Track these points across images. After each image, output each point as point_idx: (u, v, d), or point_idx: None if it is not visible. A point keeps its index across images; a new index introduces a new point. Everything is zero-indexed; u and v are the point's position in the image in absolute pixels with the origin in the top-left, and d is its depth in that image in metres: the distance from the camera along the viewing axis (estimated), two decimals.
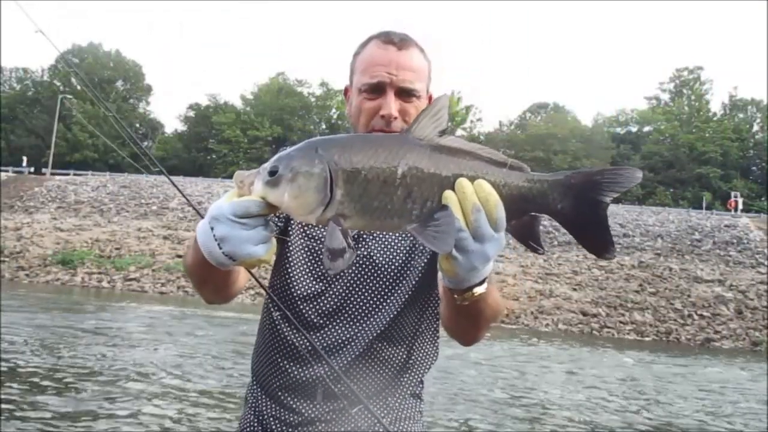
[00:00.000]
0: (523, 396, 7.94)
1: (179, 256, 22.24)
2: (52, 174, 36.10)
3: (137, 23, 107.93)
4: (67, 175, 35.13)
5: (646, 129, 54.78)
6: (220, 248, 0.90)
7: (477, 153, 0.92)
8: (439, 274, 1.19)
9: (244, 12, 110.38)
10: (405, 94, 1.31)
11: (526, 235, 0.95)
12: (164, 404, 5.92)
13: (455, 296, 1.01)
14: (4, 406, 5.34)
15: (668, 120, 53.19)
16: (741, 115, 54.36)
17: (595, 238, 0.93)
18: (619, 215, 27.74)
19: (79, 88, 53.58)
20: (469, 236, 0.88)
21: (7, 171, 34.73)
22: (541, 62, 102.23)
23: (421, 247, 1.36)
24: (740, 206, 35.79)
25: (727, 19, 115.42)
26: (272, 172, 0.87)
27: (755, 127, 53.38)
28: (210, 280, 1.20)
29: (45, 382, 6.38)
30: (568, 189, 0.91)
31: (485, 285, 0.99)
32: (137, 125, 56.21)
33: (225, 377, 7.45)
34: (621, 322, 19.13)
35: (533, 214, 0.94)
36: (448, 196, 0.88)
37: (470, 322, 1.17)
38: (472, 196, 0.87)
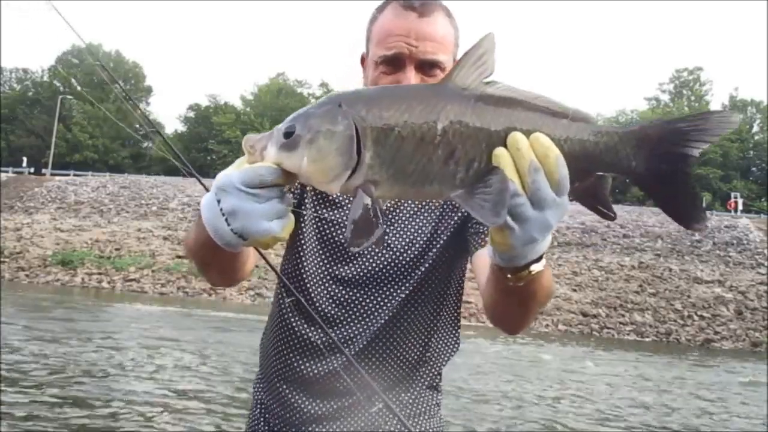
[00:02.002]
0: (522, 397, 7.94)
1: (179, 257, 22.22)
2: (52, 174, 36.13)
3: (137, 23, 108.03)
4: (67, 175, 35.15)
5: None
6: (229, 225, 0.76)
7: (531, 103, 0.77)
8: (485, 251, 1.05)
9: (244, 12, 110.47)
10: (427, 67, 1.17)
11: (593, 199, 0.80)
12: (163, 404, 5.92)
13: (508, 276, 0.86)
14: (4, 405, 5.34)
15: None
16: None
17: (680, 201, 0.77)
18: (619, 216, 27.63)
19: (79, 88, 53.64)
20: (527, 201, 0.73)
21: (7, 171, 34.74)
22: (540, 62, 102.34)
23: (443, 230, 1.25)
24: (740, 207, 35.81)
25: (727, 19, 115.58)
26: (288, 133, 0.74)
27: (755, 128, 53.41)
28: (215, 262, 1.04)
29: (45, 383, 6.37)
30: (643, 142, 0.76)
31: (543, 261, 0.85)
32: (137, 126, 56.18)
33: (225, 378, 7.44)
34: (621, 322, 19.13)
35: (601, 174, 0.80)
36: (500, 154, 0.74)
37: (521, 306, 1.01)
38: (528, 152, 0.73)
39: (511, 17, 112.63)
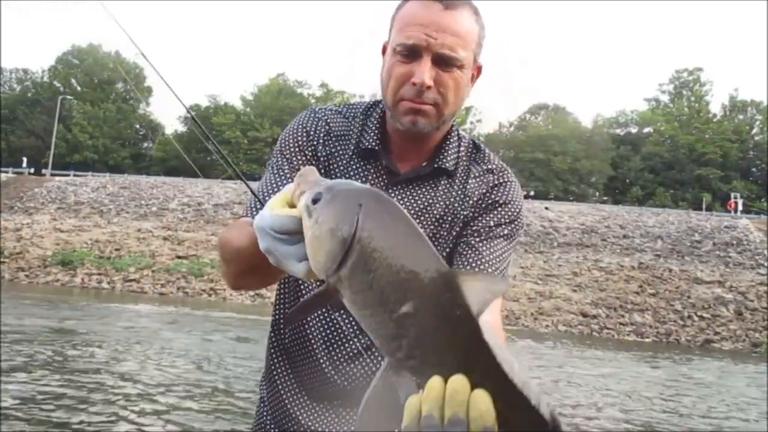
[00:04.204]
0: None
1: (179, 257, 22.24)
2: (52, 175, 36.15)
3: (137, 24, 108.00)
4: (67, 176, 35.16)
5: (646, 130, 54.85)
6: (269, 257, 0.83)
7: (510, 380, 0.63)
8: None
9: (244, 12, 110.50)
10: (443, 61, 1.14)
11: None
12: (164, 404, 5.92)
13: None
14: (3, 406, 5.34)
15: (668, 121, 53.26)
16: (741, 117, 54.43)
17: None
18: (619, 216, 27.76)
19: (79, 89, 53.68)
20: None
21: (7, 172, 34.76)
22: (541, 63, 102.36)
23: (442, 239, 1.23)
24: (740, 207, 35.85)
25: (727, 19, 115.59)
26: (315, 200, 0.76)
27: (755, 129, 53.45)
28: (259, 271, 1.03)
29: (45, 383, 6.38)
30: None
31: None
32: (137, 126, 56.30)
33: (225, 378, 7.44)
34: (621, 323, 19.13)
35: None
36: (434, 380, 0.63)
37: None
38: (461, 406, 0.61)
39: (511, 17, 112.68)
